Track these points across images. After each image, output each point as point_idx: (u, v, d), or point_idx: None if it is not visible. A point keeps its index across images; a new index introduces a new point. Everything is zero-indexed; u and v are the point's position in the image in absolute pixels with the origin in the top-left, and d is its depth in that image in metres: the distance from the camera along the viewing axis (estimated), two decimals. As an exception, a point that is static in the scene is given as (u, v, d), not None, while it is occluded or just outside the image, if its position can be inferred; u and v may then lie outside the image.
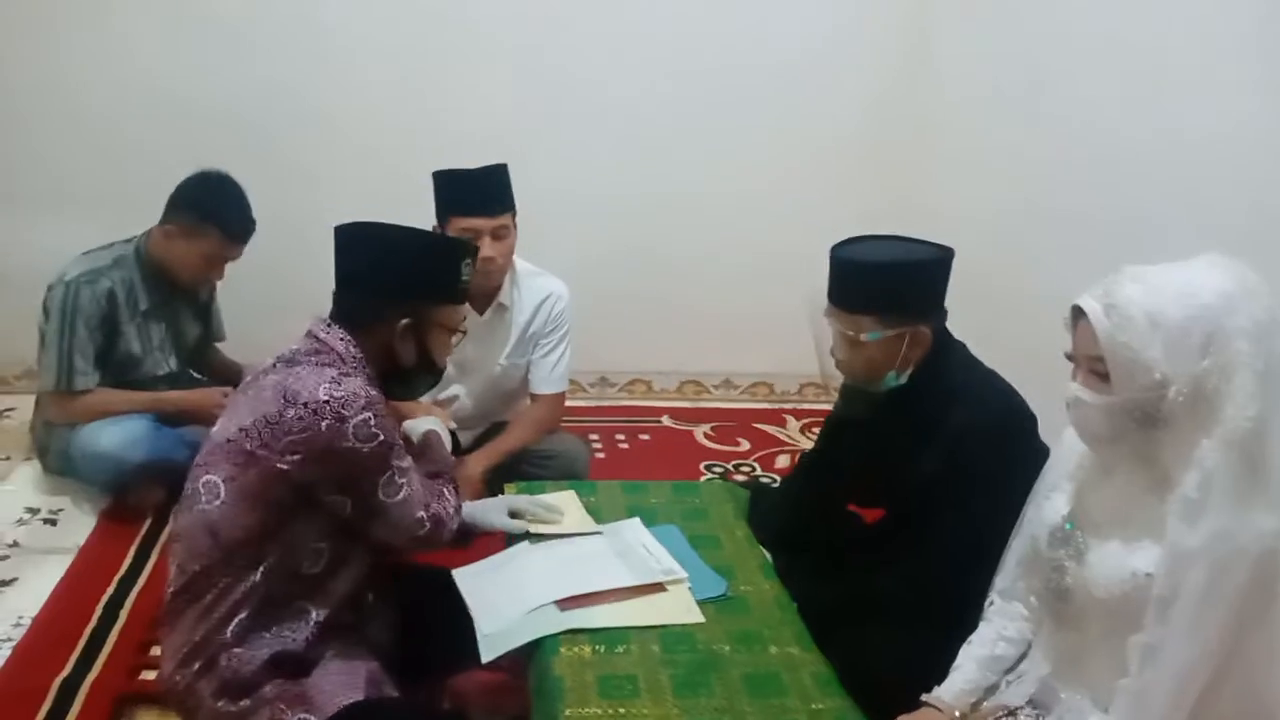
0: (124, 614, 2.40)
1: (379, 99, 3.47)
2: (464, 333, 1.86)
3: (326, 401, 1.58)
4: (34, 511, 2.82)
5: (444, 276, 1.76)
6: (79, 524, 2.77)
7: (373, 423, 1.61)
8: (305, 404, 1.58)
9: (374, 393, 1.64)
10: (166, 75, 3.37)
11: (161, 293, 2.88)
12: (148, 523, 2.79)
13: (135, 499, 2.83)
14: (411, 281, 1.73)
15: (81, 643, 2.28)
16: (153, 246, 2.83)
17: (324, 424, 1.57)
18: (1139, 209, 2.46)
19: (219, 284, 3.06)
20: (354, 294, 1.74)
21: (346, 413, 1.58)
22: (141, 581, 2.53)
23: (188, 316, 3.01)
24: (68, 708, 2.07)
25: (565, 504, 2.06)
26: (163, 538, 2.72)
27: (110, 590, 2.48)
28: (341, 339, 1.70)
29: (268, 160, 3.43)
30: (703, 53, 3.56)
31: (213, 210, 2.77)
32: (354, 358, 1.70)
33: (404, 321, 1.72)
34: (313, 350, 1.69)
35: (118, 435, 2.73)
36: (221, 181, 2.80)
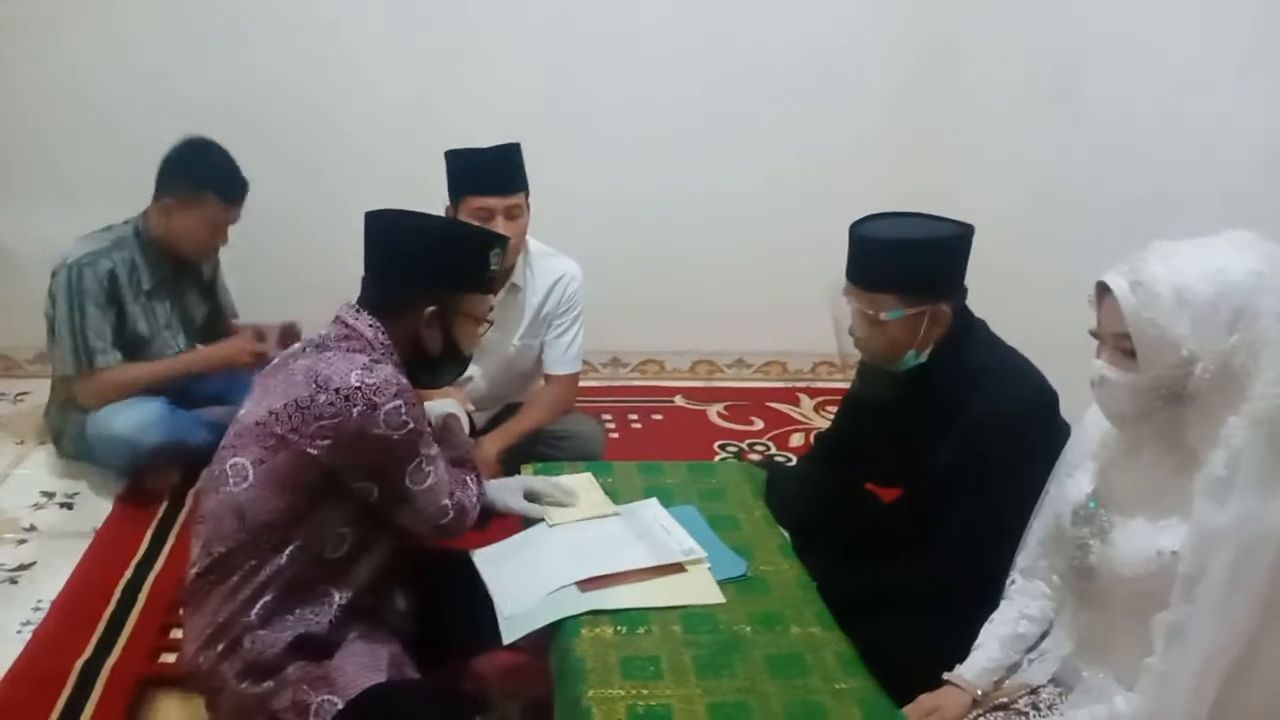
0: (143, 597, 2.41)
1: (383, 95, 3.46)
2: (490, 322, 1.85)
3: (358, 388, 1.58)
4: (50, 496, 2.83)
5: (472, 265, 1.75)
6: (95, 508, 2.78)
7: (404, 410, 1.61)
8: (337, 390, 1.58)
9: (404, 380, 1.64)
10: (169, 69, 3.36)
11: (164, 271, 2.87)
12: (164, 505, 2.80)
13: (151, 482, 2.84)
14: (440, 270, 1.72)
15: (101, 626, 2.29)
16: (152, 225, 2.82)
17: (355, 410, 1.57)
18: (1162, 194, 2.45)
19: (223, 260, 3.05)
20: (382, 281, 1.74)
21: (378, 400, 1.58)
22: (159, 564, 2.54)
23: (193, 294, 3.00)
24: (89, 691, 2.09)
25: (583, 487, 2.06)
26: (179, 520, 2.74)
27: (128, 574, 2.50)
28: (370, 325, 1.70)
29: (270, 155, 3.40)
30: (722, 45, 3.53)
31: (206, 177, 2.76)
32: (383, 344, 1.70)
33: (430, 309, 1.71)
34: (342, 335, 1.69)
35: (133, 418, 2.73)
36: (208, 147, 2.78)
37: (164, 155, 2.78)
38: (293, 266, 3.38)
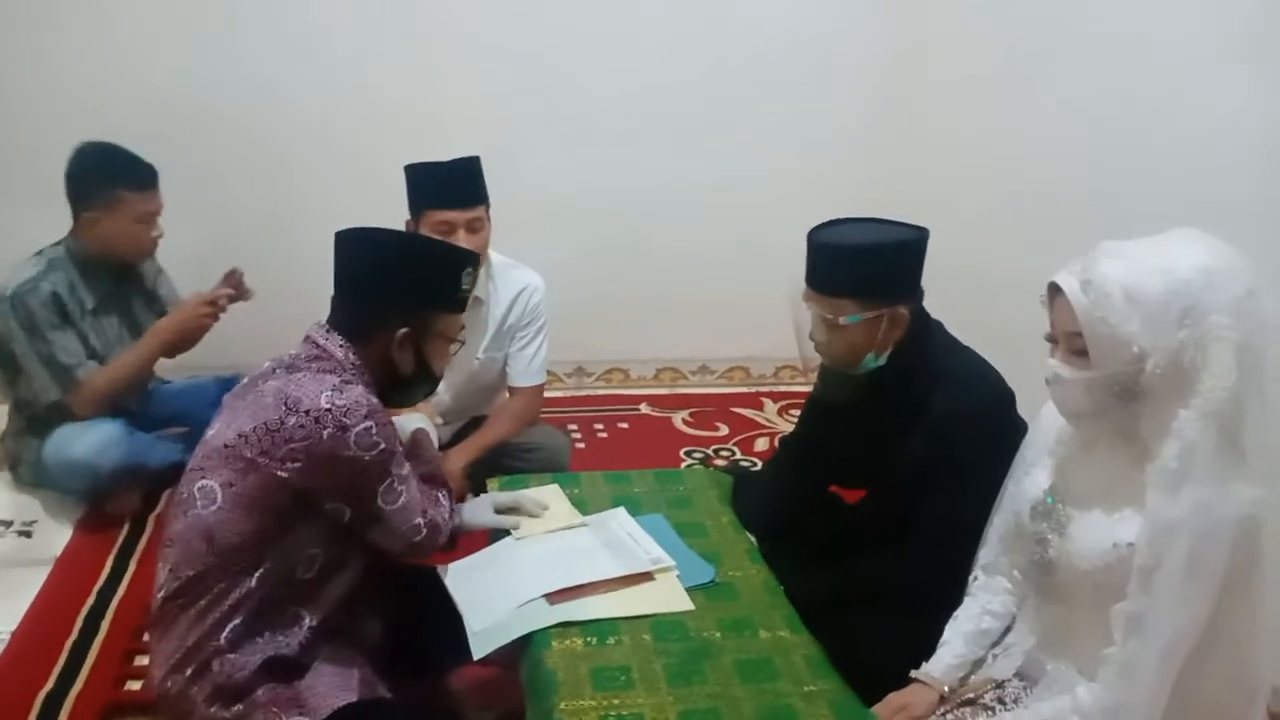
0: (106, 624, 2.37)
1: (363, 95, 3.45)
2: (462, 341, 1.85)
3: (329, 410, 1.57)
4: (8, 524, 2.77)
5: (444, 286, 1.75)
6: (55, 535, 2.73)
7: (375, 431, 1.60)
8: (307, 412, 1.57)
9: (375, 401, 1.64)
10: (153, 73, 3.33)
11: (106, 286, 2.83)
12: (125, 530, 2.76)
13: (112, 506, 2.80)
14: (412, 291, 1.71)
15: (64, 655, 2.25)
16: (82, 242, 2.77)
17: (326, 432, 1.57)
18: (1127, 194, 2.50)
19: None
20: (353, 301, 1.73)
21: (349, 421, 1.58)
22: (122, 590, 2.50)
23: (140, 306, 2.95)
24: (54, 721, 2.05)
25: (549, 498, 2.06)
26: (141, 544, 2.70)
27: (90, 600, 2.46)
28: (341, 345, 1.69)
29: (253, 157, 3.44)
30: (683, 44, 3.55)
31: (112, 175, 2.72)
32: (353, 364, 1.69)
33: (403, 331, 1.71)
34: (312, 356, 1.68)
35: (91, 441, 2.69)
36: (102, 148, 2.74)
37: (65, 173, 2.73)
38: (274, 268, 3.34)
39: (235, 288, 2.90)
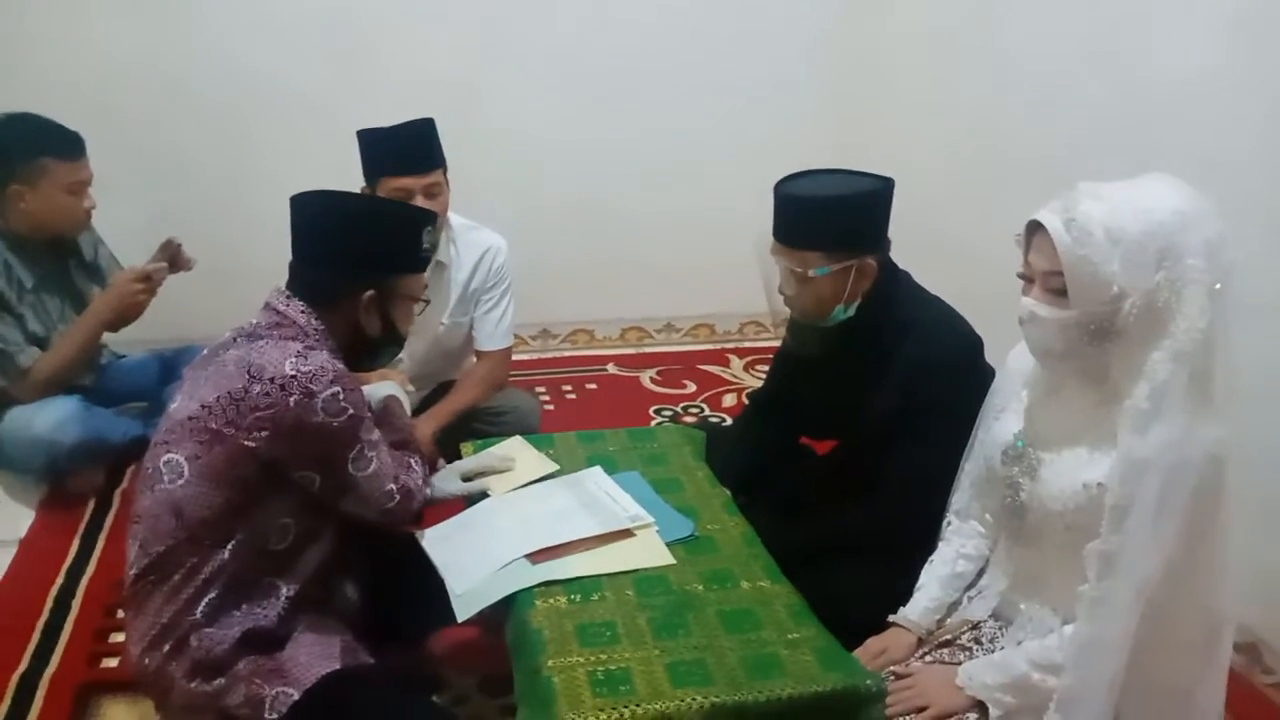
0: (76, 604, 2.35)
1: (319, 58, 3.38)
2: (426, 301, 1.83)
3: (294, 376, 1.55)
4: (-34, 508, 2.72)
5: (406, 246, 1.73)
6: (17, 516, 2.68)
7: (342, 397, 1.58)
8: (271, 379, 1.55)
9: (340, 366, 1.62)
10: (112, 43, 3.25)
11: (42, 265, 2.75)
12: (90, 508, 2.72)
13: (74, 484, 2.76)
14: (374, 254, 1.69)
15: (36, 636, 2.23)
16: (11, 220, 2.68)
17: (292, 399, 1.54)
18: (1088, 149, 2.52)
19: (103, 238, 2.94)
20: (314, 267, 1.70)
21: (315, 387, 1.56)
22: (91, 568, 2.47)
23: (81, 279, 2.86)
24: (29, 703, 2.03)
25: (514, 450, 2.06)
26: (108, 522, 2.66)
27: (60, 580, 2.43)
28: (303, 311, 1.66)
29: (214, 128, 3.38)
30: (643, 2, 3.52)
31: (35, 145, 2.63)
32: (316, 330, 1.66)
33: (369, 294, 1.69)
34: (274, 323, 1.65)
35: (49, 418, 2.64)
36: (22, 118, 2.64)
37: None
38: (238, 239, 3.29)
39: (172, 259, 2.82)
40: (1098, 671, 1.40)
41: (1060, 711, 1.42)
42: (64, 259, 2.82)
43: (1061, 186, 1.44)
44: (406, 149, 2.45)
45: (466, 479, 1.98)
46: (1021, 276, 1.50)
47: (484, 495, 1.94)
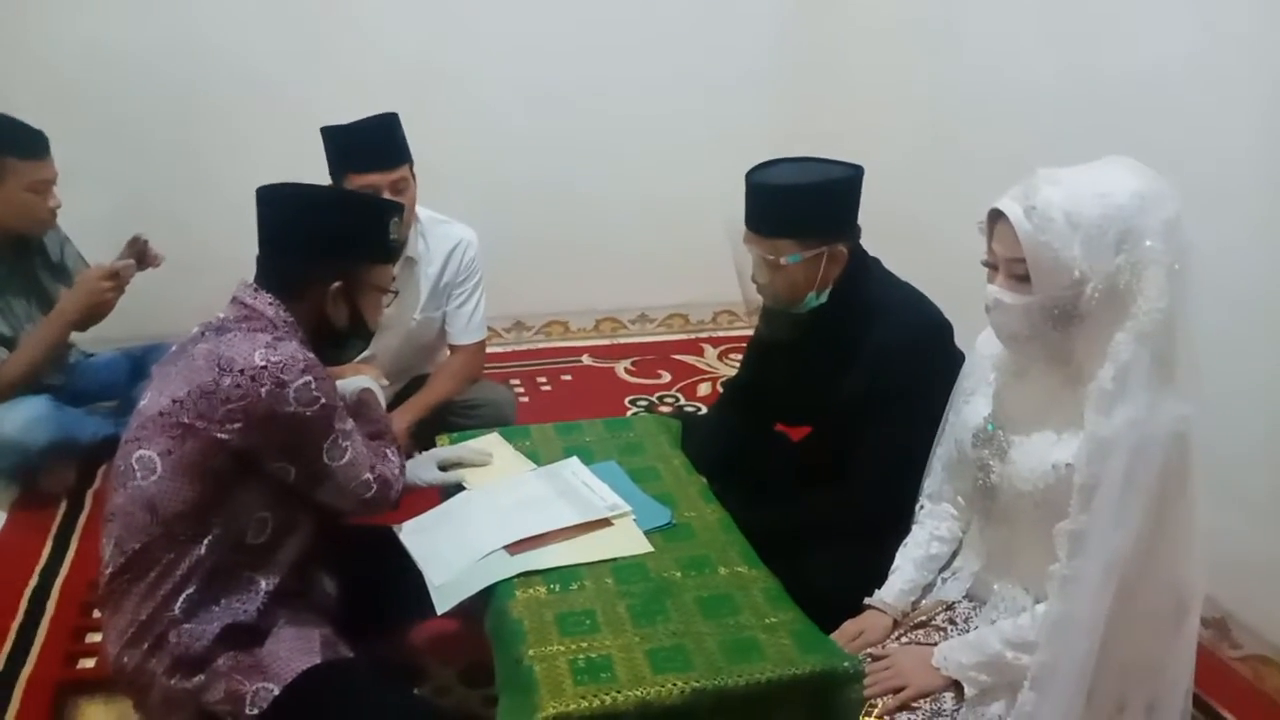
0: (51, 604, 2.33)
1: (288, 51, 3.36)
2: (395, 293, 1.83)
3: (264, 367, 1.54)
4: (-63, 512, 2.70)
5: (373, 236, 1.72)
6: (-11, 518, 2.66)
7: (314, 386, 1.57)
8: (242, 370, 1.54)
9: (310, 355, 1.61)
10: (83, 34, 3.22)
11: (7, 265, 2.72)
12: (62, 509, 2.70)
13: (46, 483, 2.74)
14: (341, 243, 1.68)
15: (11, 637, 2.22)
16: None
17: (264, 390, 1.54)
18: (1048, 137, 2.55)
19: (69, 236, 2.90)
20: (282, 258, 1.69)
21: (286, 377, 1.55)
22: (66, 569, 2.46)
23: (47, 279, 2.83)
24: (5, 706, 2.01)
25: (492, 446, 2.06)
26: (81, 522, 2.65)
27: (34, 581, 2.41)
28: (270, 303, 1.65)
29: (190, 119, 3.35)
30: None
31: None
32: (285, 322, 1.65)
33: (336, 285, 1.68)
34: (242, 316, 1.64)
35: (19, 419, 2.61)
36: None
37: None
38: (209, 233, 3.27)
39: (139, 256, 2.80)
40: (1070, 649, 1.42)
41: (1035, 689, 1.45)
42: (29, 258, 2.79)
43: (1023, 173, 1.45)
44: (371, 145, 2.44)
45: (443, 468, 1.98)
46: (986, 264, 1.52)
47: (459, 487, 1.94)
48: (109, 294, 2.70)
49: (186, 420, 1.55)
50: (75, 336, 2.90)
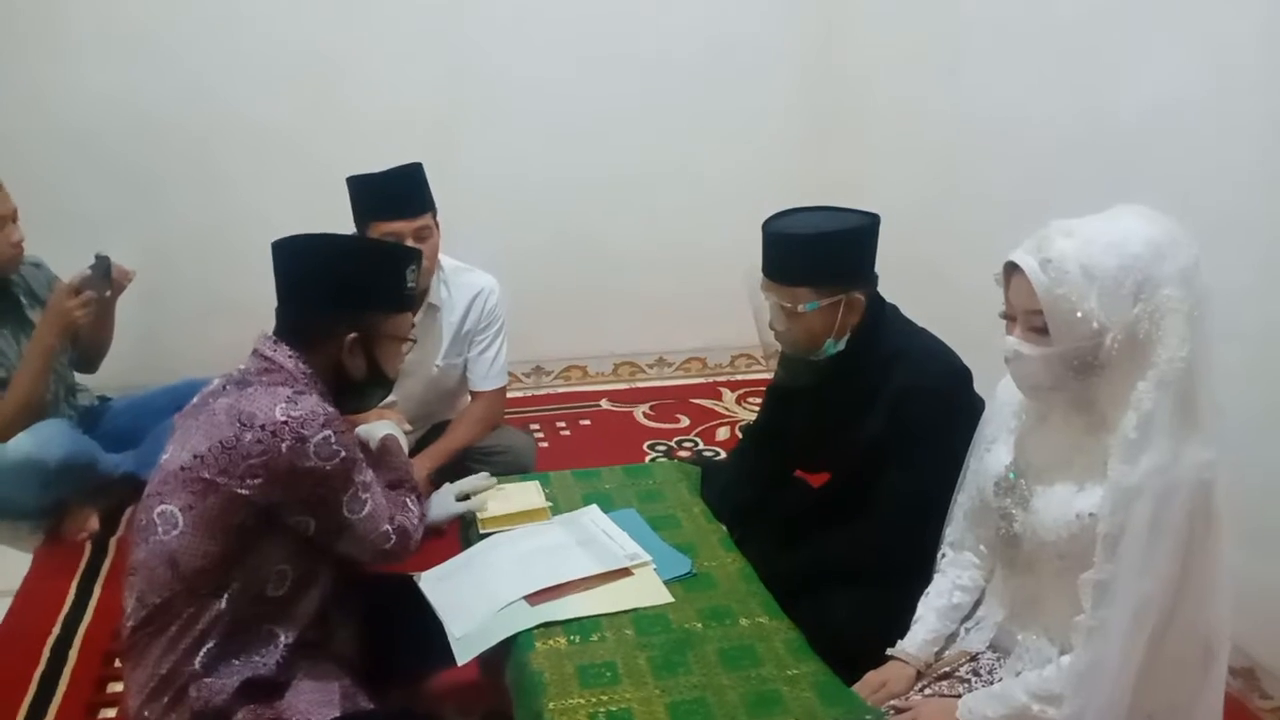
0: (74, 653, 2.33)
1: (304, 102, 3.42)
2: (414, 341, 1.83)
3: (285, 422, 1.55)
4: (-38, 559, 2.71)
5: (390, 286, 1.72)
6: (14, 564, 2.67)
7: (334, 440, 1.58)
8: (263, 426, 1.55)
9: (330, 409, 1.62)
10: (97, 80, 3.28)
11: None
12: (86, 555, 2.71)
13: (68, 528, 2.75)
14: (357, 293, 1.69)
15: (33, 687, 2.21)
16: None
17: (284, 445, 1.55)
18: (1058, 178, 2.56)
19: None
20: (298, 310, 1.70)
21: (306, 432, 1.56)
22: (89, 617, 2.46)
23: (38, 317, 2.77)
24: (28, 755, 2.02)
25: (526, 493, 2.08)
26: (104, 569, 2.66)
27: (56, 630, 2.41)
28: (290, 356, 1.66)
29: (194, 167, 3.39)
30: (626, 37, 3.57)
31: None
32: (304, 374, 1.66)
33: (352, 336, 1.69)
34: (262, 369, 1.66)
35: (29, 439, 2.60)
36: None
37: None
38: (217, 279, 3.31)
39: (105, 273, 2.71)
40: (1097, 699, 1.40)
41: (1062, 740, 1.43)
42: (14, 298, 2.78)
43: (1039, 216, 1.46)
44: (395, 194, 2.48)
45: (461, 499, 2.00)
46: (1004, 316, 1.52)
47: (478, 531, 1.96)
48: (76, 311, 2.65)
49: (208, 476, 1.56)
50: (91, 381, 2.91)
